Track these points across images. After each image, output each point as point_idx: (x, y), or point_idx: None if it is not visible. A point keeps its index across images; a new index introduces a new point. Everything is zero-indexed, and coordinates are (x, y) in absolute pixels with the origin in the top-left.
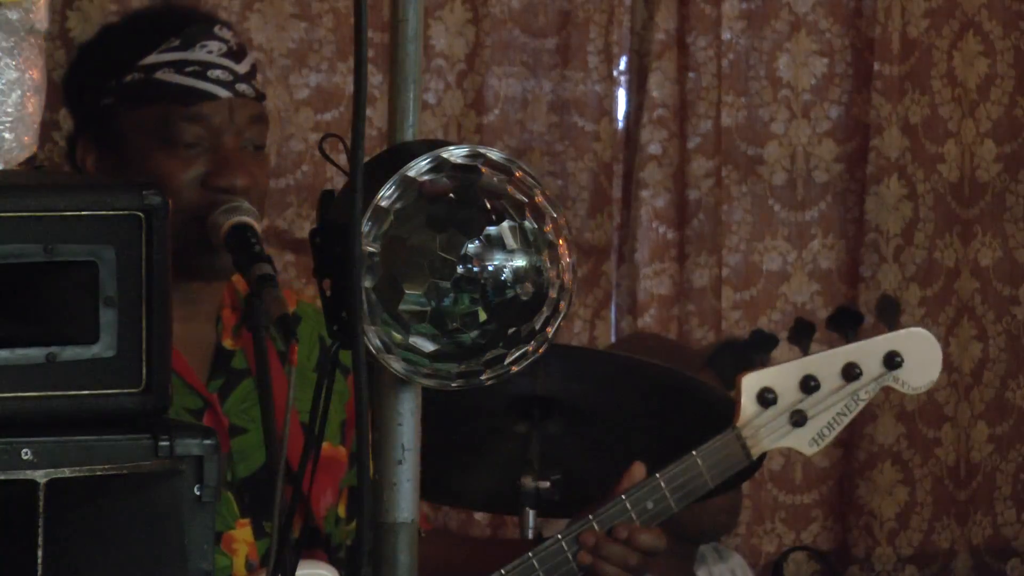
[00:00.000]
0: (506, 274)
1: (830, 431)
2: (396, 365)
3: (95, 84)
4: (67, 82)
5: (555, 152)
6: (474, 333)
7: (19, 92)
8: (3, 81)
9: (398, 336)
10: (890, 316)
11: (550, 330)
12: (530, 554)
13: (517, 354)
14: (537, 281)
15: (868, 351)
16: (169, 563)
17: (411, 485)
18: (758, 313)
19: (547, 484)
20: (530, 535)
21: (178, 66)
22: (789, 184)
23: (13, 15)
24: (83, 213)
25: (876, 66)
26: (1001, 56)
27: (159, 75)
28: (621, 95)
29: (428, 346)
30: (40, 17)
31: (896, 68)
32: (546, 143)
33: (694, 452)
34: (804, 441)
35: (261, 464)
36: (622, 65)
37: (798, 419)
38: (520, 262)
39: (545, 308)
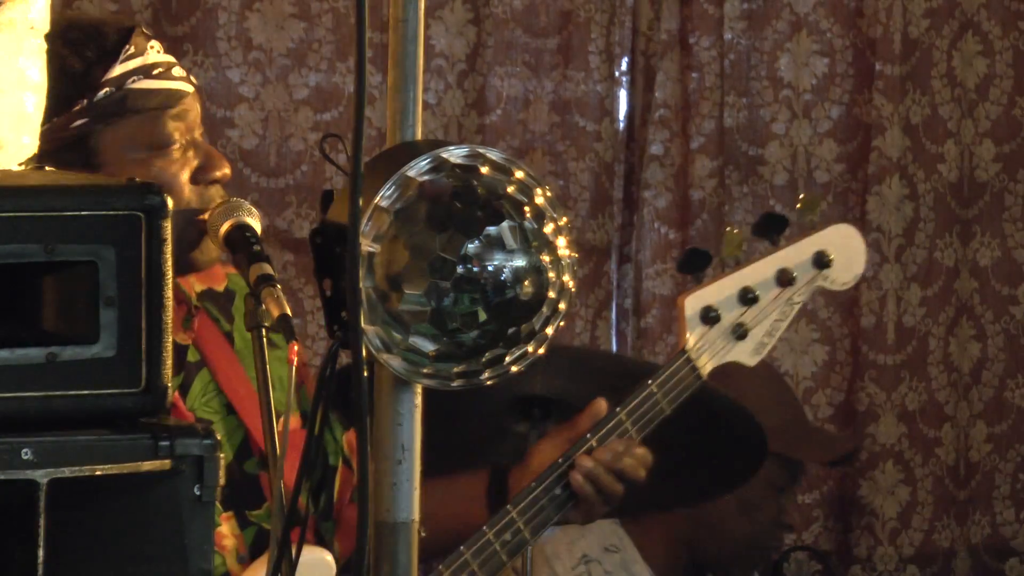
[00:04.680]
0: (506, 274)
1: (769, 339)
2: (396, 365)
3: (60, 110)
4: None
5: (556, 152)
6: (474, 333)
7: (19, 92)
8: (3, 81)
9: (398, 336)
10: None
11: (550, 330)
12: (509, 507)
13: (517, 354)
14: (537, 281)
15: (798, 254)
16: (169, 563)
17: (411, 485)
18: None
19: None
20: None
21: (145, 71)
22: (790, 184)
23: (13, 15)
24: (83, 213)
25: (877, 66)
26: (1000, 56)
27: (131, 84)
28: (623, 95)
29: (428, 346)
30: (40, 17)
31: (897, 68)
32: (547, 143)
33: (649, 382)
34: (746, 353)
35: (233, 455)
36: (624, 65)
37: (740, 332)
38: (520, 262)
39: (545, 308)
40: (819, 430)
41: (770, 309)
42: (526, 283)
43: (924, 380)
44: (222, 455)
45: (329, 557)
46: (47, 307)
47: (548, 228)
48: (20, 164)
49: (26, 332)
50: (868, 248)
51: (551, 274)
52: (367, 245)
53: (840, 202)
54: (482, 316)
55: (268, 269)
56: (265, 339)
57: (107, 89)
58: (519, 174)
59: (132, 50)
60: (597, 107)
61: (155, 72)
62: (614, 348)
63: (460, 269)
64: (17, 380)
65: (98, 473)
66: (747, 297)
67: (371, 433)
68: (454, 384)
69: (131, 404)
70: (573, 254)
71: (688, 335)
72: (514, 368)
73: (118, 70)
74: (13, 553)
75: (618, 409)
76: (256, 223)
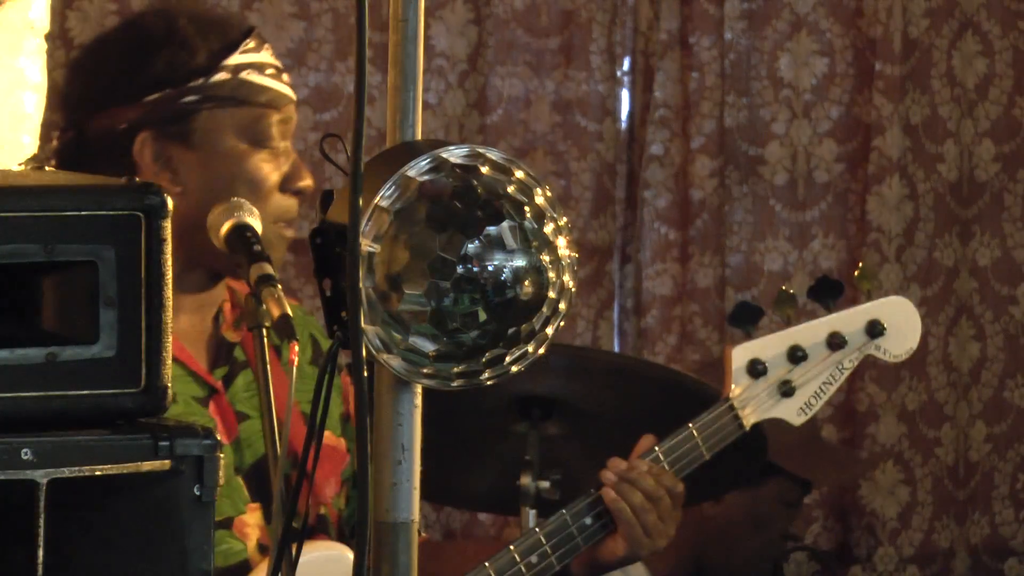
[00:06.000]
0: (506, 274)
1: (817, 400)
2: (396, 365)
3: (173, 80)
4: (127, 74)
5: (558, 152)
6: (474, 333)
7: (19, 92)
8: (3, 81)
9: (398, 336)
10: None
11: (550, 330)
12: (536, 528)
13: (517, 354)
14: (537, 281)
15: (851, 320)
16: (169, 563)
17: (411, 485)
18: None
19: (547, 484)
20: None
21: (259, 68)
22: (790, 184)
23: (13, 15)
24: (83, 213)
25: (877, 66)
26: (1000, 56)
27: (245, 76)
28: (624, 95)
29: (428, 346)
30: (40, 17)
31: (897, 68)
32: (549, 143)
33: (690, 424)
34: (792, 411)
35: (264, 452)
36: (625, 65)
37: (786, 389)
38: (520, 262)
39: (545, 308)
40: (834, 449)
41: (819, 370)
42: (526, 283)
43: (924, 380)
44: (221, 455)
45: (348, 553)
46: (47, 307)
47: (548, 228)
48: (20, 164)
49: (26, 332)
50: (867, 248)
51: (551, 274)
52: (367, 245)
53: (840, 202)
54: (482, 316)
55: (268, 269)
56: (267, 339)
57: (223, 74)
58: (519, 174)
59: (251, 45)
60: (598, 107)
61: (267, 71)
62: (616, 348)
63: (460, 269)
64: (17, 380)
65: (98, 473)
66: (796, 355)
67: (371, 433)
68: (454, 384)
69: (131, 404)
70: (573, 254)
71: (733, 385)
72: (514, 368)
73: (236, 59)
74: (13, 553)
75: (656, 448)
76: (256, 223)
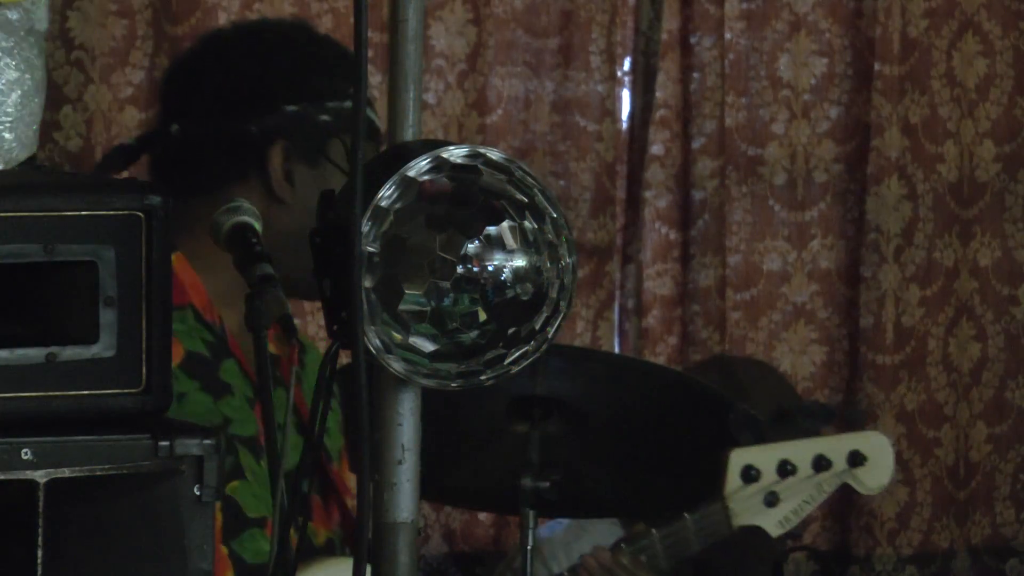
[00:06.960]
0: (506, 274)
1: (795, 517)
2: (396, 365)
3: (315, 96)
4: (267, 78)
5: (557, 152)
6: (474, 333)
7: (19, 92)
8: (3, 81)
9: (398, 336)
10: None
11: (550, 330)
12: None
13: (517, 354)
14: (537, 281)
15: (837, 446)
16: (169, 563)
17: (411, 485)
18: (758, 314)
19: (547, 484)
20: (530, 535)
21: (372, 104)
22: (789, 184)
23: (13, 15)
24: (83, 213)
25: (876, 66)
26: (1000, 56)
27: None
28: (625, 96)
29: (428, 346)
30: (40, 17)
31: (896, 68)
32: (548, 143)
33: (686, 515)
34: (773, 522)
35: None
36: (626, 66)
37: (771, 499)
38: (520, 262)
39: (545, 308)
40: None
41: (801, 488)
42: (526, 283)
43: (923, 380)
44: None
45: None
46: (47, 307)
47: (548, 228)
48: (19, 164)
49: (26, 332)
50: (866, 248)
51: (551, 274)
52: (367, 245)
53: (839, 202)
54: (482, 316)
55: (269, 269)
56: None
57: (351, 102)
58: (519, 174)
59: None
60: (598, 107)
61: (375, 107)
62: (616, 349)
63: (460, 269)
64: (17, 380)
65: (98, 473)
66: (785, 469)
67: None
68: (454, 384)
69: (131, 404)
70: (573, 254)
71: (728, 486)
72: (514, 368)
73: None
74: (13, 553)
75: (654, 531)
76: (257, 223)
